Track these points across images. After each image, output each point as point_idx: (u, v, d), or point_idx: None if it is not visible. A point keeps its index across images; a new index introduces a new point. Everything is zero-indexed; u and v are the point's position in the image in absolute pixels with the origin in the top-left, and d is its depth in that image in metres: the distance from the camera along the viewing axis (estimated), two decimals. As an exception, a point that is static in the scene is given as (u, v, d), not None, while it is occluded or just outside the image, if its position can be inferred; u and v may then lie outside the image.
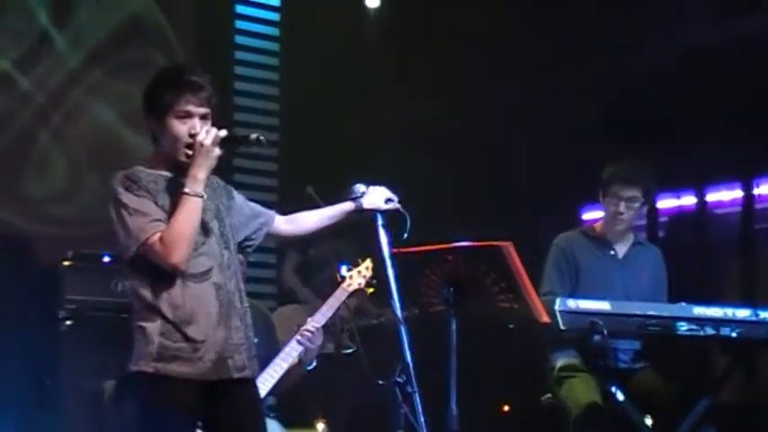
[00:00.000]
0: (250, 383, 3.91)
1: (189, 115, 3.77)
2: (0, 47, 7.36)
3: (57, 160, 7.56)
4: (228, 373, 3.78)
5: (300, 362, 5.23)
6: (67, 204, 7.49)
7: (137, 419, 3.77)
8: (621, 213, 5.29)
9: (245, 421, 3.86)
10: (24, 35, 7.47)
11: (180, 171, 3.79)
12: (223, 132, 3.76)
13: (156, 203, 3.75)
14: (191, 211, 3.70)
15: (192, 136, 3.75)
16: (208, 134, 3.73)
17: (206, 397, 3.76)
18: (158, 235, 3.69)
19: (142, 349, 3.73)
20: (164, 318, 3.71)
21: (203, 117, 3.79)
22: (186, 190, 3.71)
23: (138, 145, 6.74)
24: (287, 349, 5.18)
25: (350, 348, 6.03)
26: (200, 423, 3.87)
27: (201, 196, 3.73)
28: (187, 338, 3.71)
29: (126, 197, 3.73)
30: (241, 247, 4.07)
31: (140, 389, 3.75)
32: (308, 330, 5.18)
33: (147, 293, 3.74)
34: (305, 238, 4.26)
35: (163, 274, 3.73)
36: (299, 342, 5.18)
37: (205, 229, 3.79)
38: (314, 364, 5.36)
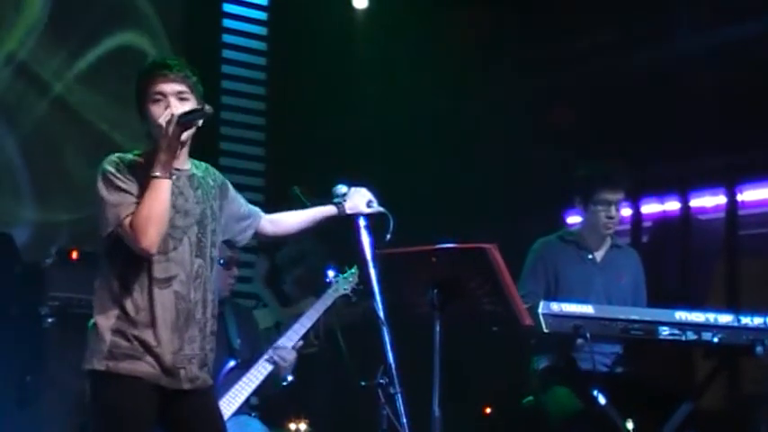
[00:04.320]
0: (206, 393, 3.88)
1: (163, 96, 3.74)
2: None
3: (41, 155, 7.54)
4: (179, 384, 3.75)
5: (274, 379, 5.16)
6: (53, 201, 7.47)
7: (92, 417, 3.76)
8: (613, 218, 5.30)
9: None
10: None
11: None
12: (177, 110, 3.70)
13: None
14: (156, 195, 3.65)
15: None
16: (166, 116, 3.69)
17: (160, 403, 3.74)
18: (129, 219, 3.65)
19: (94, 347, 3.72)
20: (120, 316, 3.69)
21: (182, 97, 3.76)
22: (152, 173, 3.67)
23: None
24: (253, 370, 5.08)
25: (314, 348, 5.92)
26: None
27: (167, 178, 3.67)
28: (140, 341, 3.69)
29: (114, 176, 3.71)
30: (227, 244, 4.05)
31: (93, 387, 3.73)
32: (281, 350, 5.10)
33: (112, 287, 3.71)
34: (286, 239, 4.24)
35: (131, 272, 3.70)
36: (267, 361, 5.09)
37: (180, 235, 3.75)
38: (289, 379, 5.26)
